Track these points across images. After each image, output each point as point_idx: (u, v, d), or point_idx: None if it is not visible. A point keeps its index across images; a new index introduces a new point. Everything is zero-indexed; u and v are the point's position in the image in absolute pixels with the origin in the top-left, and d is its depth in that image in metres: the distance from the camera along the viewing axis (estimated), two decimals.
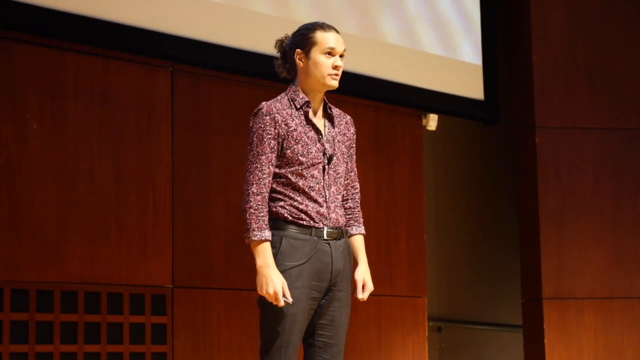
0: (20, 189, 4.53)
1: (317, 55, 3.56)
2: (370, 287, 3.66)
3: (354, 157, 3.74)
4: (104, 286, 4.74)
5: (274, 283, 3.42)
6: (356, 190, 3.73)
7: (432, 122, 6.24)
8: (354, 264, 3.69)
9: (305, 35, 3.59)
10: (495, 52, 6.50)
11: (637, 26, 6.73)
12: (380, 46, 5.85)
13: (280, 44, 3.66)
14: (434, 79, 6.13)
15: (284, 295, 3.42)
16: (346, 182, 3.71)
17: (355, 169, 3.74)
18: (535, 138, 6.51)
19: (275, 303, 3.43)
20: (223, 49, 5.09)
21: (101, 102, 4.81)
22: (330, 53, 3.56)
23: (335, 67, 3.56)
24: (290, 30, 3.69)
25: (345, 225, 3.69)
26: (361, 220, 3.74)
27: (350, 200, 3.72)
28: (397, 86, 5.92)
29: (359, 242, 3.71)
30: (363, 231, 3.73)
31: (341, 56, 3.59)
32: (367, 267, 3.69)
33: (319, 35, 3.57)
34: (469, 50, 6.35)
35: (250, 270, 4.97)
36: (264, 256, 3.46)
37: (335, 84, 3.58)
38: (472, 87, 6.35)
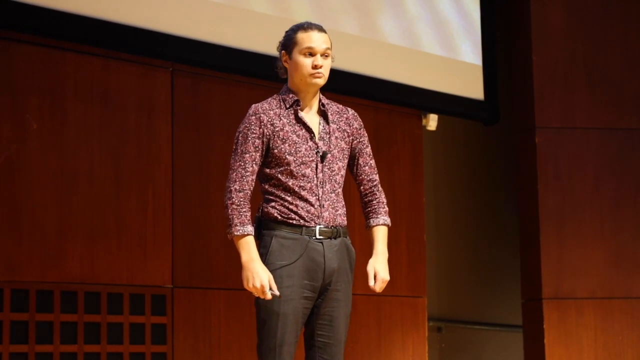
0: (20, 189, 4.53)
1: (297, 55, 3.56)
2: (382, 276, 3.58)
3: (366, 150, 3.68)
4: (104, 286, 4.73)
5: (259, 277, 3.42)
6: (374, 184, 3.68)
7: (432, 122, 6.24)
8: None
9: (289, 36, 3.60)
10: (495, 52, 6.50)
11: (637, 26, 6.73)
12: (380, 46, 5.85)
13: (278, 47, 3.68)
14: (434, 79, 6.13)
15: (270, 289, 3.41)
16: (361, 177, 3.68)
17: (371, 162, 3.68)
18: (535, 138, 6.51)
19: (262, 297, 3.42)
20: (223, 49, 5.09)
21: (101, 102, 4.81)
22: (310, 53, 3.54)
23: (315, 67, 3.54)
24: None
25: (366, 219, 3.67)
26: (381, 210, 3.66)
27: (368, 194, 3.68)
28: (397, 86, 5.92)
29: (376, 234, 3.64)
30: (381, 222, 3.65)
31: (325, 55, 3.56)
32: (382, 257, 3.60)
33: (300, 35, 3.57)
34: (469, 50, 6.35)
35: None
36: (248, 251, 3.46)
37: (318, 82, 3.55)
38: (472, 87, 6.35)
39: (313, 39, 3.55)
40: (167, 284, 4.92)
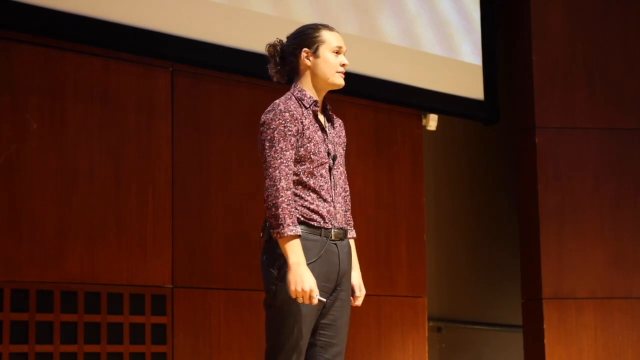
0: (20, 189, 4.53)
1: (326, 53, 3.59)
2: (364, 291, 3.73)
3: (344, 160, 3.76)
4: (104, 286, 4.73)
5: (308, 282, 3.39)
6: (347, 193, 3.72)
7: (432, 122, 6.24)
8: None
9: (311, 35, 3.61)
10: (495, 52, 6.50)
11: (637, 26, 6.73)
12: (380, 46, 5.85)
13: (274, 48, 3.66)
14: (434, 79, 6.13)
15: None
16: None
17: (345, 172, 3.74)
18: (535, 138, 6.51)
19: (307, 302, 3.39)
20: (223, 49, 5.09)
21: (101, 102, 4.81)
22: (337, 52, 3.60)
23: (343, 65, 3.61)
24: (290, 30, 3.69)
25: None
26: (352, 223, 3.75)
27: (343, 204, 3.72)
28: (397, 86, 5.92)
29: (353, 246, 3.73)
30: (355, 235, 3.76)
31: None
32: (359, 271, 3.74)
33: (326, 34, 3.61)
34: (469, 50, 6.35)
35: (250, 270, 4.99)
36: (297, 253, 3.42)
37: (342, 82, 3.62)
38: (472, 87, 6.35)
39: (340, 39, 3.63)
40: (167, 284, 4.92)
